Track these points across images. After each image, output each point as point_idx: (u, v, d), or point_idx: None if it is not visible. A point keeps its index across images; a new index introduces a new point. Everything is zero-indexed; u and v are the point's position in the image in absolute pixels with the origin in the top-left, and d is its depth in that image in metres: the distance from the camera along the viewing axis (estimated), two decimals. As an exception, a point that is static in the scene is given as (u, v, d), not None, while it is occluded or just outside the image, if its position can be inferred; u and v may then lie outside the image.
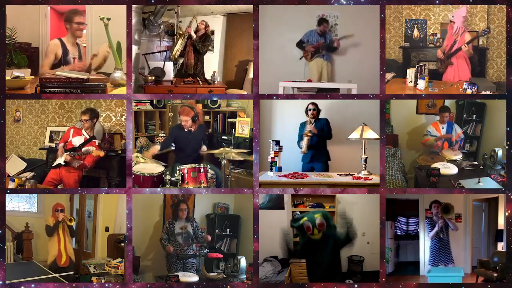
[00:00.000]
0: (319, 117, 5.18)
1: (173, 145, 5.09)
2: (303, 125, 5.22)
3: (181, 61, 5.31)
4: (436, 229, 4.58)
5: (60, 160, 4.66)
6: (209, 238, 4.86)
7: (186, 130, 5.06)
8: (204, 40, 5.22)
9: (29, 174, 4.83)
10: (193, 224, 4.85)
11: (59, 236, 4.61)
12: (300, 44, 5.71)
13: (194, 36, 5.16)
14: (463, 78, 5.05)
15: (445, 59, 5.15)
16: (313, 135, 5.11)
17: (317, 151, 5.18)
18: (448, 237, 4.61)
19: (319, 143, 5.17)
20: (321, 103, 5.17)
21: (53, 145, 5.33)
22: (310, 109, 5.13)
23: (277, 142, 5.03)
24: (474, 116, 5.38)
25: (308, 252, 4.05)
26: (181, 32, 5.17)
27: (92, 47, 4.97)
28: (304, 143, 5.11)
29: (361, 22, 5.45)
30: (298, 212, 4.97)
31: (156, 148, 5.00)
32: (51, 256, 4.58)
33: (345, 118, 5.28)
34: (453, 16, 5.18)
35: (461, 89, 4.54)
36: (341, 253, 4.12)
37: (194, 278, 4.38)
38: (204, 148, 5.08)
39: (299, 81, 5.38)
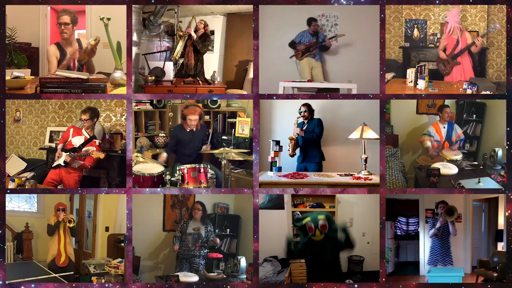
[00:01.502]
0: (314, 116, 5.19)
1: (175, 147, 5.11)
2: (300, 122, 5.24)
3: (181, 61, 5.30)
4: (436, 227, 4.58)
5: (60, 161, 4.65)
6: (218, 241, 4.86)
7: (188, 130, 5.06)
8: (204, 40, 5.22)
9: (29, 174, 4.82)
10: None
11: (60, 235, 4.61)
12: (292, 45, 5.71)
13: (194, 36, 5.16)
14: (467, 77, 5.06)
15: (450, 60, 5.15)
16: (301, 137, 5.12)
17: (309, 151, 5.18)
18: (448, 237, 4.61)
19: (310, 143, 5.16)
20: (321, 103, 5.17)
21: (53, 145, 5.33)
22: (301, 111, 5.14)
23: (277, 142, 5.03)
24: (474, 116, 5.38)
25: (308, 252, 4.06)
26: (181, 34, 5.16)
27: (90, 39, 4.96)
28: (290, 146, 5.08)
29: (361, 22, 5.46)
30: (298, 212, 4.97)
31: (164, 156, 5.00)
32: (50, 256, 4.59)
33: (345, 118, 5.29)
34: (446, 17, 5.21)
35: (461, 89, 4.55)
36: (340, 255, 4.13)
37: (194, 278, 4.38)
38: (206, 147, 5.07)
39: (299, 81, 5.38)
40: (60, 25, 4.70)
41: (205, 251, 4.74)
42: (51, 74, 4.62)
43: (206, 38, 5.24)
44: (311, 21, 5.66)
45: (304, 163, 5.18)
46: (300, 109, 5.15)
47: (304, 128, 5.18)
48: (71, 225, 4.60)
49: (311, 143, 5.16)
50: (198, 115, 5.04)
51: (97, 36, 4.65)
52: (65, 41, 4.75)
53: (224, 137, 5.75)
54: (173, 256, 4.81)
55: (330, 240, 4.01)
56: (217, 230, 5.05)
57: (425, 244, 4.69)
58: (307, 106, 5.15)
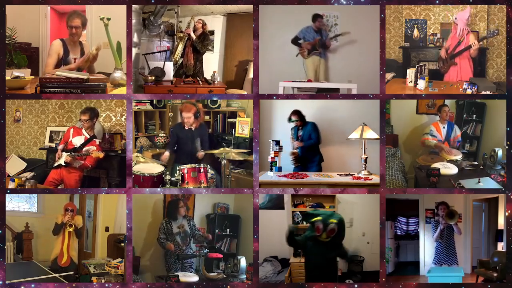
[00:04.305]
0: (306, 121, 5.22)
1: (175, 145, 5.11)
2: (291, 130, 5.27)
3: (180, 61, 5.30)
4: (439, 230, 4.58)
5: (61, 161, 4.65)
6: (210, 236, 4.86)
7: (187, 128, 5.07)
8: (203, 40, 5.22)
9: (29, 174, 4.83)
10: (190, 223, 4.83)
11: (64, 236, 4.63)
12: (295, 41, 5.68)
13: (193, 36, 5.15)
14: (465, 78, 5.06)
15: (449, 59, 5.15)
16: (301, 148, 5.19)
17: (309, 157, 5.21)
18: (452, 238, 4.61)
19: (309, 149, 5.21)
20: (320, 103, 5.17)
21: (53, 145, 5.33)
22: (293, 121, 5.18)
23: (277, 142, 5.03)
24: (474, 116, 5.38)
25: (310, 246, 3.99)
26: (181, 35, 5.15)
27: (92, 47, 4.97)
28: (292, 159, 5.17)
29: (361, 22, 5.45)
30: (298, 212, 4.97)
31: (166, 155, 5.00)
32: (53, 254, 4.62)
33: (345, 118, 5.28)
34: (456, 18, 5.19)
35: (461, 89, 4.55)
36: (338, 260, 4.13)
37: (194, 278, 4.38)
38: (201, 152, 5.04)
39: (299, 81, 5.38)
40: (71, 28, 4.70)
41: (205, 251, 4.74)
42: (47, 70, 4.62)
43: (205, 38, 5.24)
44: (316, 17, 5.64)
45: (305, 168, 5.20)
46: (290, 119, 5.18)
47: (300, 135, 5.19)
48: (71, 229, 4.62)
49: (310, 149, 5.18)
50: (192, 113, 5.03)
51: (99, 45, 4.66)
52: (72, 41, 4.76)
53: (224, 137, 5.75)
54: (169, 256, 4.75)
55: (335, 245, 3.97)
56: (216, 230, 5.05)
57: (425, 244, 4.68)
58: (297, 114, 5.15)
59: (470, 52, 5.14)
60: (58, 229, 4.63)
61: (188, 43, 5.19)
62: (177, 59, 5.21)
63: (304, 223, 4.95)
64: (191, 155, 5.00)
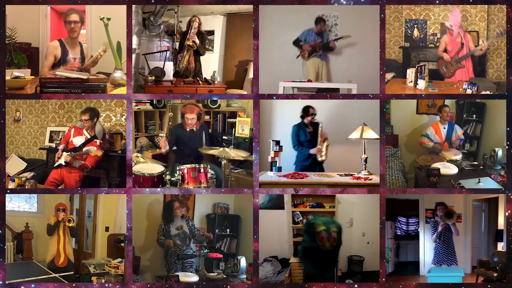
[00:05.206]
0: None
1: (174, 146, 5.10)
2: (297, 127, 5.18)
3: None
4: (438, 230, 4.58)
5: (61, 161, 4.65)
6: (211, 236, 4.85)
7: (188, 129, 5.06)
8: (202, 40, 5.21)
9: (29, 174, 4.83)
10: (189, 223, 4.83)
11: (59, 236, 4.61)
12: (296, 43, 5.70)
13: (198, 42, 5.15)
14: (465, 78, 5.06)
15: (454, 62, 5.14)
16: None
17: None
18: (451, 238, 4.61)
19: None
20: (320, 103, 5.18)
21: (53, 145, 5.33)
22: (312, 114, 5.10)
23: (277, 142, 5.02)
24: (474, 116, 5.38)
25: (312, 257, 4.01)
26: (190, 44, 5.11)
27: (92, 47, 4.98)
28: (324, 150, 5.09)
29: (361, 22, 5.45)
30: (298, 212, 4.97)
31: (163, 141, 4.91)
32: (50, 256, 4.59)
33: (345, 118, 5.28)
34: (451, 25, 5.18)
35: (461, 89, 4.55)
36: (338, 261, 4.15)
37: (194, 278, 4.38)
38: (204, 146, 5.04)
39: (299, 81, 5.38)
40: (69, 23, 4.69)
41: (205, 251, 4.74)
42: (44, 72, 4.62)
43: (203, 38, 5.23)
44: (319, 21, 5.64)
45: (312, 165, 5.16)
46: (310, 112, 5.08)
47: (310, 130, 5.16)
48: (70, 224, 4.59)
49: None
50: (196, 114, 5.03)
51: (105, 46, 4.66)
52: (71, 40, 4.75)
53: (224, 137, 5.75)
54: (170, 256, 4.75)
55: (336, 249, 4.01)
56: (216, 230, 5.05)
57: (425, 244, 4.68)
58: (314, 108, 5.11)
59: (483, 49, 5.13)
60: (52, 230, 4.60)
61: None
62: (182, 66, 5.21)
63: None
64: (192, 156, 5.00)
